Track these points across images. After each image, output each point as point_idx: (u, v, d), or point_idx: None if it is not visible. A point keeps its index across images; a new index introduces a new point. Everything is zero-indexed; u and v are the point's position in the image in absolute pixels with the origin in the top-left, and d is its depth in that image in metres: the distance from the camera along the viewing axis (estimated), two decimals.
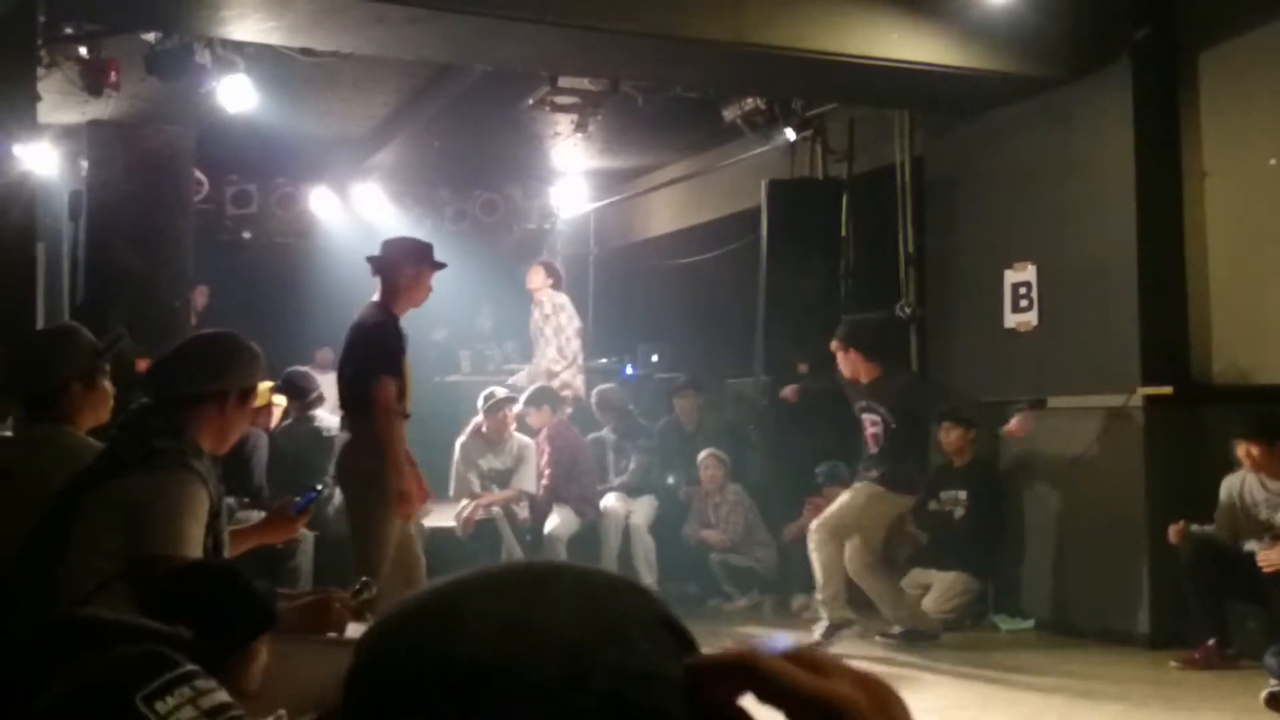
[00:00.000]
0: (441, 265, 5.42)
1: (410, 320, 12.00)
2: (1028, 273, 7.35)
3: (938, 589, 7.25)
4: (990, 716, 5.15)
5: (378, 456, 5.02)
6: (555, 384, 8.85)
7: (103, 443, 3.18)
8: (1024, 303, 7.36)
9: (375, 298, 5.32)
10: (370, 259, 5.38)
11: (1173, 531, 6.01)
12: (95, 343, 3.60)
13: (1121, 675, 5.94)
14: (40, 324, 6.71)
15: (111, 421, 3.45)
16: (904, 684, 5.70)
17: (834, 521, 6.62)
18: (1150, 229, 6.74)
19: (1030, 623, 7.14)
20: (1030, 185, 7.38)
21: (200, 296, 9.84)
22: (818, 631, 6.57)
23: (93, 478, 2.88)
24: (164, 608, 2.32)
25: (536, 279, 9.27)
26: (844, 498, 6.74)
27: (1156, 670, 6.02)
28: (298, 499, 3.51)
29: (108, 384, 3.52)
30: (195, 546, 2.82)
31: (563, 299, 9.28)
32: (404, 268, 5.27)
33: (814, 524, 6.70)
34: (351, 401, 5.25)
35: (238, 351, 3.13)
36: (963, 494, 7.43)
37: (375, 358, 5.12)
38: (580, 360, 9.35)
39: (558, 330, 9.14)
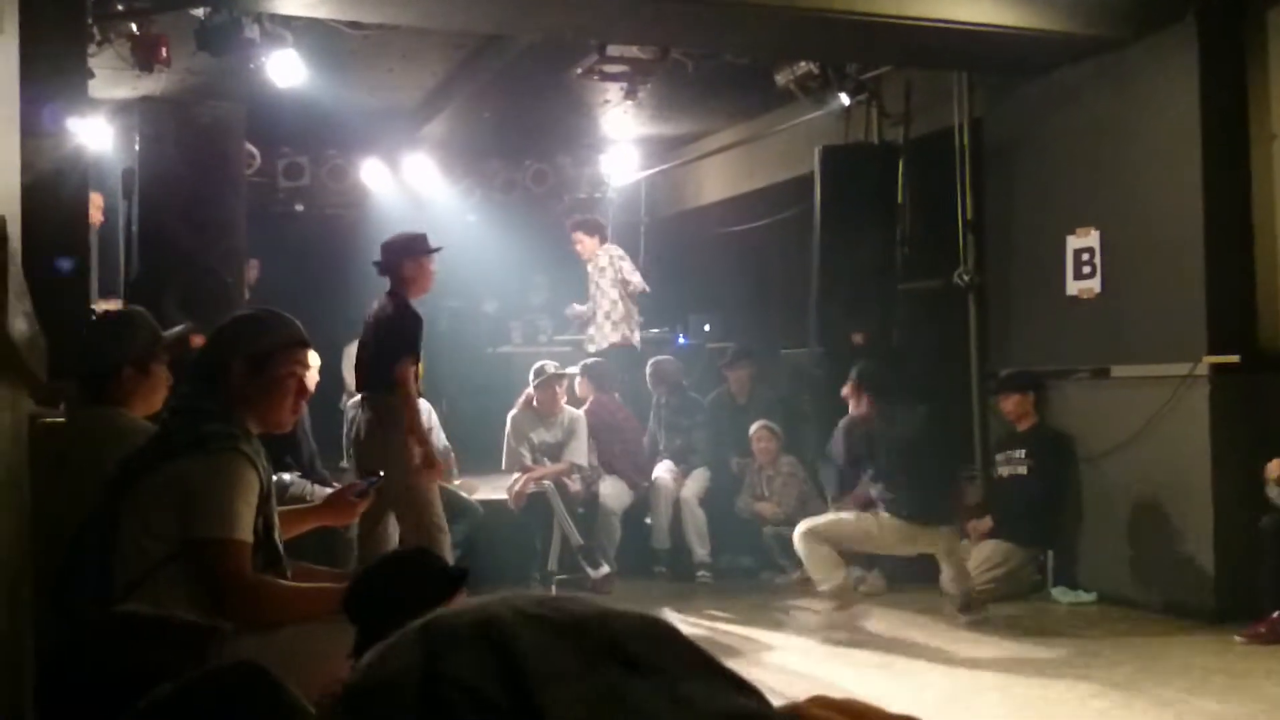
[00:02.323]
0: (436, 250, 5.99)
1: (460, 293, 12.12)
2: (1090, 238, 7.19)
3: (974, 559, 7.05)
4: (1051, 691, 5.07)
5: (399, 432, 5.58)
6: (613, 336, 8.91)
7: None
8: (1086, 269, 7.21)
9: (388, 289, 5.90)
10: (375, 263, 5.94)
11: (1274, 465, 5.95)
12: (156, 330, 3.62)
13: (1185, 650, 5.82)
14: (94, 301, 6.77)
15: (164, 406, 3.46)
16: (962, 658, 5.64)
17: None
18: (1216, 193, 6.56)
19: (1092, 595, 7.02)
20: (1093, 149, 7.20)
21: (251, 270, 9.89)
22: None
23: (144, 461, 2.88)
24: (371, 588, 2.38)
25: (588, 245, 9.23)
26: None
27: (1221, 644, 5.89)
28: (360, 484, 3.53)
29: (163, 372, 3.53)
30: (246, 529, 2.82)
31: (618, 249, 9.29)
32: (404, 262, 5.86)
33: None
34: (375, 382, 5.79)
35: (238, 321, 3.11)
36: (1020, 453, 7.31)
37: (398, 341, 5.71)
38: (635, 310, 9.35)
39: (617, 277, 9.13)
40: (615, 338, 9.08)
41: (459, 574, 2.48)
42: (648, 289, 9.40)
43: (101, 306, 7.37)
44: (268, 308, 3.18)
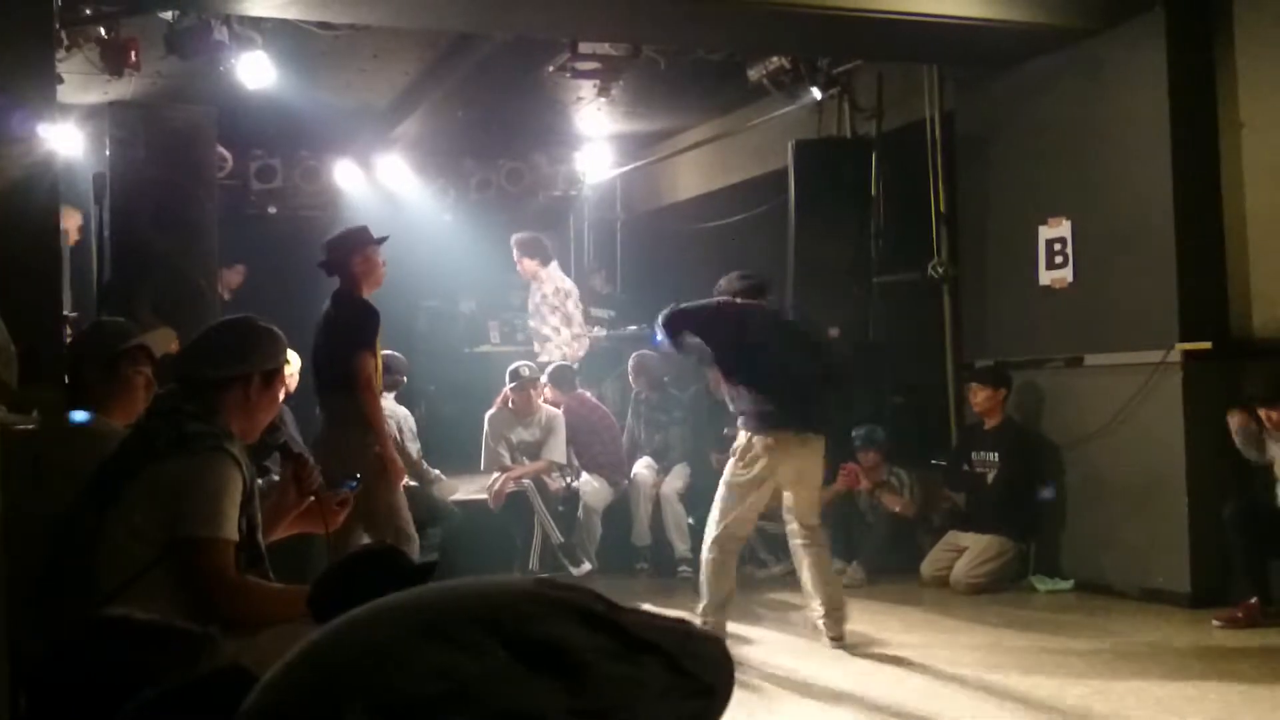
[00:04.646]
0: (382, 239, 5.71)
1: (438, 293, 12.01)
2: (1062, 228, 7.24)
3: (971, 552, 7.19)
4: (1032, 679, 5.09)
5: (359, 429, 5.35)
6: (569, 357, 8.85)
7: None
8: (1059, 259, 7.25)
9: (339, 288, 5.62)
10: (320, 264, 5.68)
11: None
12: (125, 332, 3.60)
13: (1163, 635, 5.88)
14: (68, 308, 6.72)
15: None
16: (941, 648, 5.66)
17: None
18: (1186, 181, 6.61)
19: (1069, 583, 7.08)
20: (1063, 139, 7.25)
21: (235, 275, 9.85)
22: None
23: (126, 464, 2.87)
24: (334, 588, 2.33)
25: (527, 267, 9.15)
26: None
27: (1198, 630, 5.95)
28: (339, 491, 3.49)
29: (139, 378, 3.52)
30: (231, 528, 2.82)
31: (567, 283, 9.22)
32: (351, 258, 5.60)
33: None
34: (332, 381, 5.53)
35: (257, 335, 3.14)
36: (994, 455, 7.37)
37: (353, 336, 5.44)
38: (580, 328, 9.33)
39: (566, 315, 9.11)
40: (568, 352, 9.00)
41: (425, 571, 2.46)
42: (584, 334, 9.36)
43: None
44: (264, 321, 3.21)
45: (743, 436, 5.83)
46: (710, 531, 5.85)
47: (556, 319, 9.06)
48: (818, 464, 5.91)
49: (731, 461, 5.86)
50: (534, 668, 0.73)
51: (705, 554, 5.84)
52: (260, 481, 6.11)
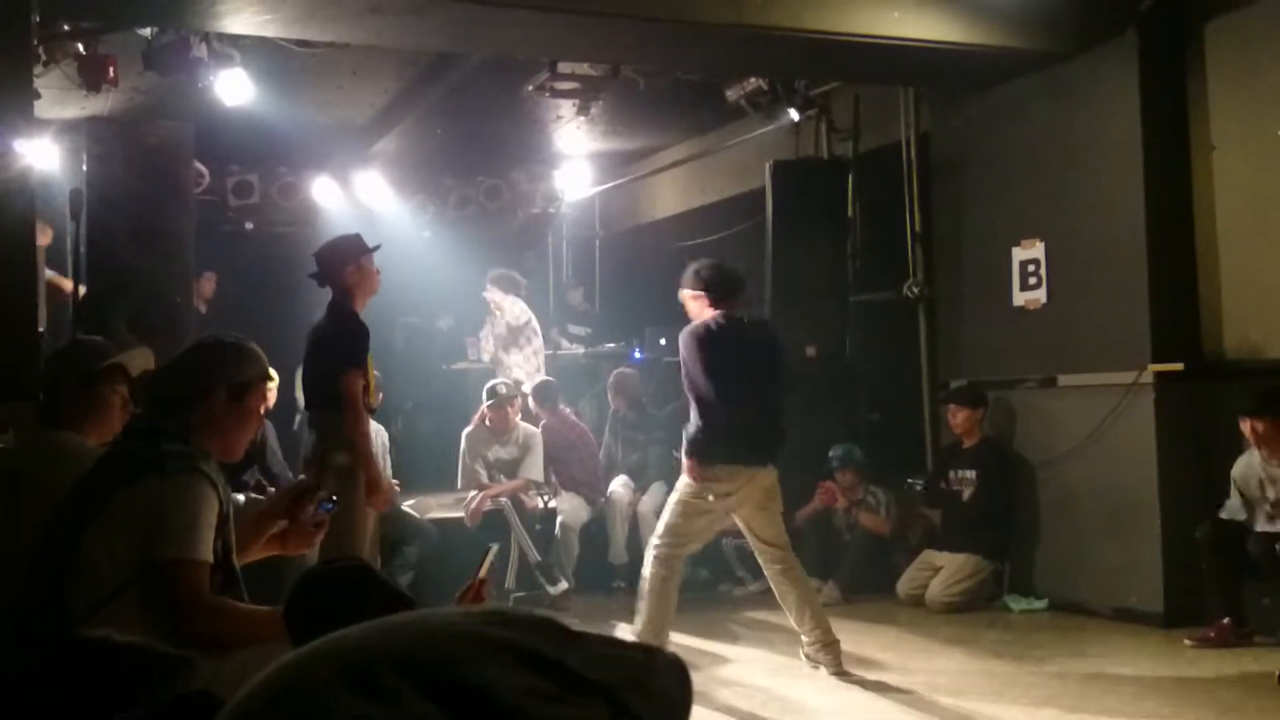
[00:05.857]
0: (375, 248, 5.57)
1: (415, 309, 11.98)
2: (1036, 250, 7.30)
3: (946, 571, 7.22)
4: (1005, 699, 5.12)
5: (348, 450, 5.27)
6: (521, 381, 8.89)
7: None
8: (1033, 280, 7.31)
9: (331, 299, 5.50)
10: (312, 275, 5.53)
11: None
12: (103, 351, 3.60)
13: (1136, 655, 5.91)
14: (43, 323, 6.70)
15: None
16: (916, 668, 5.68)
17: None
18: (1159, 203, 6.68)
19: (1043, 603, 7.10)
20: (1037, 161, 7.32)
21: (208, 284, 9.83)
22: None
23: (102, 484, 2.86)
24: (310, 608, 2.30)
25: (497, 299, 9.30)
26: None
27: (1171, 649, 5.99)
28: (316, 511, 3.46)
29: (115, 396, 3.51)
30: (206, 550, 2.80)
31: (526, 314, 9.31)
32: (345, 267, 5.45)
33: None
34: (320, 398, 5.46)
35: (220, 350, 3.11)
36: (971, 473, 7.41)
37: (341, 354, 5.34)
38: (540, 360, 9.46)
39: (529, 340, 9.17)
40: (539, 378, 8.98)
41: (405, 600, 2.43)
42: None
43: (50, 274, 7.29)
44: (238, 336, 3.18)
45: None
46: (654, 546, 5.56)
47: (531, 349, 9.14)
48: (775, 491, 5.65)
49: (683, 480, 5.60)
50: (457, 715, 0.73)
51: (648, 569, 5.53)
52: (240, 498, 6.11)
